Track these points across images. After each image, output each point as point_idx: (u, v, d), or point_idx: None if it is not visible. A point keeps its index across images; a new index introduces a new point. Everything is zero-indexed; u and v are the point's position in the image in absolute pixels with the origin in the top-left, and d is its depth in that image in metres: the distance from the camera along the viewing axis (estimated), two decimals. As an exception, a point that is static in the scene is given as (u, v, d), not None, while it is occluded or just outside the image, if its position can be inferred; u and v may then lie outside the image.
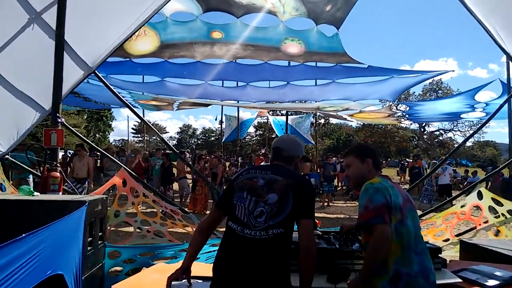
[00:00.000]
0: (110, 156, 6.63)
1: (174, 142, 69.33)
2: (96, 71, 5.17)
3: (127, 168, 5.35)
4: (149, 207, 5.78)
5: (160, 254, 4.12)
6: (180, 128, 73.07)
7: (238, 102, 15.73)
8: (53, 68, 4.39)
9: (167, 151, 13.32)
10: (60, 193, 4.22)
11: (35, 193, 3.68)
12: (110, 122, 46.83)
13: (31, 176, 8.14)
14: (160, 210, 4.97)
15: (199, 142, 68.95)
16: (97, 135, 44.59)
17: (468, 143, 43.16)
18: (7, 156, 4.68)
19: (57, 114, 4.48)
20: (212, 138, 61.78)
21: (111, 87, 5.74)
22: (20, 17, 4.55)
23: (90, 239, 3.34)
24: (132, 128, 50.37)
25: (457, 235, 5.21)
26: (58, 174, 4.30)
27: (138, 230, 4.82)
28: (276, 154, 2.42)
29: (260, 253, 2.03)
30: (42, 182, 4.23)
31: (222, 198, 2.34)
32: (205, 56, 10.83)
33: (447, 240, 5.20)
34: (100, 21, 5.04)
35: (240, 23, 9.36)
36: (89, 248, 3.31)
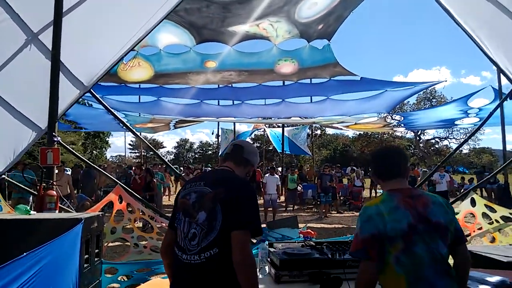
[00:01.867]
0: (105, 173, 6.67)
1: (172, 156, 69.23)
2: (91, 90, 5.26)
3: (122, 184, 5.38)
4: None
5: (157, 269, 4.14)
6: (177, 142, 73.00)
7: (234, 118, 15.86)
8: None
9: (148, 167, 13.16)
10: (57, 211, 4.26)
11: (32, 212, 3.73)
12: (107, 139, 46.81)
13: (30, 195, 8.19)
14: (157, 226, 5.01)
15: (196, 156, 68.85)
16: (94, 151, 44.55)
17: (465, 150, 43.43)
18: (3, 176, 4.72)
19: (53, 133, 4.55)
20: (210, 152, 61.74)
21: (107, 105, 5.83)
22: (18, 38, 4.64)
23: (86, 256, 3.37)
24: (129, 144, 50.35)
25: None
26: (54, 192, 4.34)
27: (134, 246, 4.84)
28: (233, 152, 2.27)
29: (197, 280, 1.90)
30: (38, 201, 4.26)
31: (171, 217, 2.20)
32: (200, 83, 10.98)
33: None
34: (94, 42, 5.15)
35: (233, 51, 9.50)
36: (85, 265, 3.33)
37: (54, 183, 4.53)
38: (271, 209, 12.21)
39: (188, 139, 74.70)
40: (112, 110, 5.95)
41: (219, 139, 24.45)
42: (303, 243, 3.07)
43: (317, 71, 10.90)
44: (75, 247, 3.19)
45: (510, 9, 5.02)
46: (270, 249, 2.89)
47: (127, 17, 5.33)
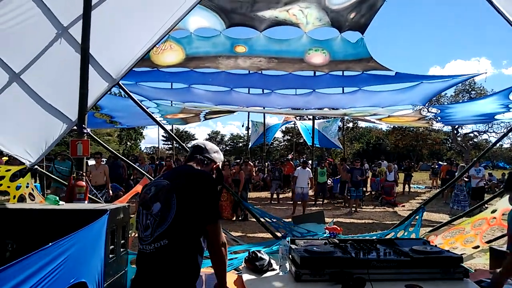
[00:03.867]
0: (131, 163, 6.73)
1: (203, 149, 69.94)
2: (120, 82, 5.33)
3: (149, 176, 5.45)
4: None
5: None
6: (209, 134, 73.65)
7: (264, 108, 15.78)
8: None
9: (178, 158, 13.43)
10: (86, 201, 4.36)
11: (61, 202, 3.83)
12: (141, 131, 48.05)
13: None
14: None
15: (227, 148, 69.38)
16: (128, 143, 45.85)
17: (506, 145, 41.30)
18: (36, 167, 4.88)
19: (83, 125, 4.65)
20: (240, 144, 62.03)
21: (136, 99, 5.92)
22: (49, 31, 4.75)
23: (112, 247, 3.42)
24: (163, 136, 51.26)
25: (487, 242, 4.98)
26: (84, 183, 4.45)
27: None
28: (193, 153, 2.34)
29: (150, 269, 1.99)
30: (68, 191, 4.39)
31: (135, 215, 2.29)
32: (229, 67, 10.94)
33: (477, 247, 4.98)
34: (123, 34, 5.20)
35: (263, 37, 9.39)
36: (111, 255, 3.38)
37: (84, 174, 4.63)
38: (300, 202, 12.12)
39: (219, 131, 75.21)
40: (139, 102, 6.02)
41: (249, 132, 24.46)
42: (327, 240, 2.98)
43: (349, 65, 10.61)
44: (100, 238, 3.23)
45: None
46: (291, 245, 2.82)
47: (156, 9, 5.35)
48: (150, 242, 1.99)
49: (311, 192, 14.55)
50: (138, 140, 48.84)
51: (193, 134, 68.99)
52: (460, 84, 26.96)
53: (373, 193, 16.95)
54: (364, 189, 15.37)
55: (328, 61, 10.24)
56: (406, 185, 19.02)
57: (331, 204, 14.90)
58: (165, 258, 1.96)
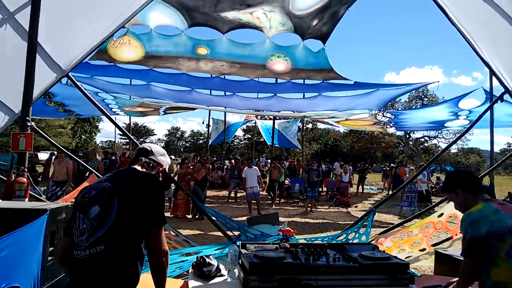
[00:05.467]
0: (77, 160, 6.41)
1: (162, 144, 68.78)
2: (70, 74, 5.04)
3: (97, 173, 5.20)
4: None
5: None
6: (168, 130, 72.45)
7: (225, 108, 15.68)
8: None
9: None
10: (27, 199, 4.08)
11: (-4, 200, 3.57)
12: (97, 124, 46.30)
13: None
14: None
15: (187, 145, 68.50)
16: (83, 136, 44.03)
17: (453, 150, 43.73)
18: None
19: (27, 118, 4.35)
20: (201, 141, 61.46)
21: (86, 92, 5.63)
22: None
23: (51, 248, 3.21)
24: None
25: (433, 245, 5.19)
26: (25, 179, 4.16)
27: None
28: (140, 154, 2.26)
29: (83, 276, 1.86)
30: (7, 188, 4.09)
31: (68, 223, 2.11)
32: (190, 69, 10.74)
33: (424, 249, 5.18)
34: (75, 23, 4.92)
35: (226, 39, 9.26)
36: (49, 258, 3.17)
37: (26, 169, 4.34)
38: (255, 201, 12.15)
39: (179, 128, 74.14)
40: (90, 95, 5.71)
41: (210, 129, 24.24)
42: (278, 245, 2.95)
43: (310, 74, 10.74)
44: (39, 239, 3.03)
45: (507, 11, 4.90)
46: (242, 250, 2.76)
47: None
48: (85, 247, 1.85)
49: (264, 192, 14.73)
50: (93, 134, 46.99)
51: (152, 130, 67.58)
52: (414, 91, 28.18)
53: (328, 193, 17.31)
54: (320, 189, 15.65)
55: (290, 69, 10.30)
56: (360, 186, 19.59)
57: (288, 203, 15.06)
58: (100, 265, 1.83)
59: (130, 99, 12.96)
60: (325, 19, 8.58)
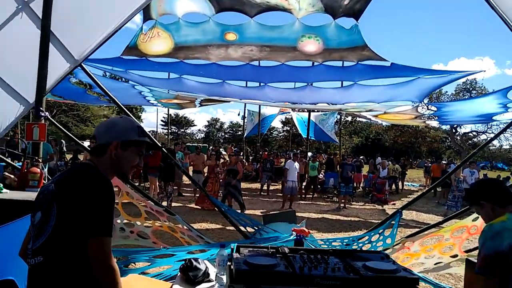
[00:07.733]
0: (87, 148, 6.29)
1: (202, 135, 69.89)
2: (83, 64, 5.00)
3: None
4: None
5: (134, 259, 3.90)
6: (208, 121, 73.45)
7: (257, 101, 15.45)
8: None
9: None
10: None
11: (4, 190, 3.57)
12: (140, 114, 47.63)
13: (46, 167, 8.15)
14: (144, 211, 4.77)
15: (226, 136, 69.13)
16: (126, 126, 45.41)
17: (506, 146, 40.89)
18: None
19: (41, 108, 4.35)
20: (239, 133, 61.82)
21: (99, 82, 5.60)
22: (8, 5, 4.42)
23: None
24: (162, 120, 50.91)
25: (466, 251, 4.71)
26: (38, 170, 4.16)
27: (120, 230, 4.62)
28: (93, 143, 2.00)
29: (30, 285, 1.67)
30: (20, 178, 4.10)
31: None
32: (220, 58, 10.58)
33: (455, 256, 4.71)
34: (89, 13, 4.84)
35: (254, 23, 9.04)
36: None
37: (40, 160, 4.34)
38: (289, 196, 11.87)
39: (219, 119, 75.08)
40: (103, 86, 5.68)
41: (245, 121, 24.13)
42: (276, 249, 2.69)
43: (343, 54, 10.26)
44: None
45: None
46: (234, 254, 2.53)
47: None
48: (30, 257, 1.66)
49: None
50: (136, 123, 48.40)
51: (193, 120, 68.79)
52: (461, 83, 26.56)
53: (366, 189, 16.70)
54: (355, 185, 15.11)
55: (322, 49, 9.88)
56: (400, 183, 18.76)
57: (321, 198, 14.65)
58: (39, 278, 1.62)
59: (168, 92, 13.08)
60: (358, -4, 8.11)
